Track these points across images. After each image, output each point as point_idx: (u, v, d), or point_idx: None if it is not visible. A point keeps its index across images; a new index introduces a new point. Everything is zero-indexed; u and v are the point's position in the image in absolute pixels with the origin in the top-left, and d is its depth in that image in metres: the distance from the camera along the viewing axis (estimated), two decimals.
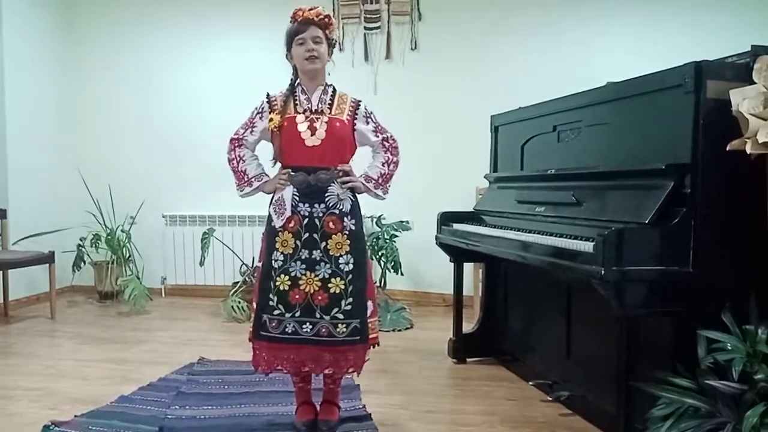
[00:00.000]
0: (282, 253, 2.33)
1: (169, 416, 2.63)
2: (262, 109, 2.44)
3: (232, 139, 2.47)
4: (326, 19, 2.38)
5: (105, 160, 5.41)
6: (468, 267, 3.87)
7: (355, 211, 2.40)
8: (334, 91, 2.44)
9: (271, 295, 2.32)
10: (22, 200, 4.87)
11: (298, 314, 2.30)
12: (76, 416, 2.63)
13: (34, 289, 5.01)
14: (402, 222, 4.68)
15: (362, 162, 2.54)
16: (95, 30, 5.44)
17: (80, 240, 5.08)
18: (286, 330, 2.30)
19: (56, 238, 4.92)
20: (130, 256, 5.17)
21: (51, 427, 2.51)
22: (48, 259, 4.51)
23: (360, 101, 2.48)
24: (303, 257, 2.32)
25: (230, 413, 2.67)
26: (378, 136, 2.49)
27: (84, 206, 5.15)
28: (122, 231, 5.13)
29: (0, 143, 4.75)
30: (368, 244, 4.56)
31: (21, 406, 2.81)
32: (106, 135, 5.46)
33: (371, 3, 5.04)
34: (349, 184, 2.38)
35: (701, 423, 1.82)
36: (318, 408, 2.55)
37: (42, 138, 5.17)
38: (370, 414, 2.66)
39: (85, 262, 5.11)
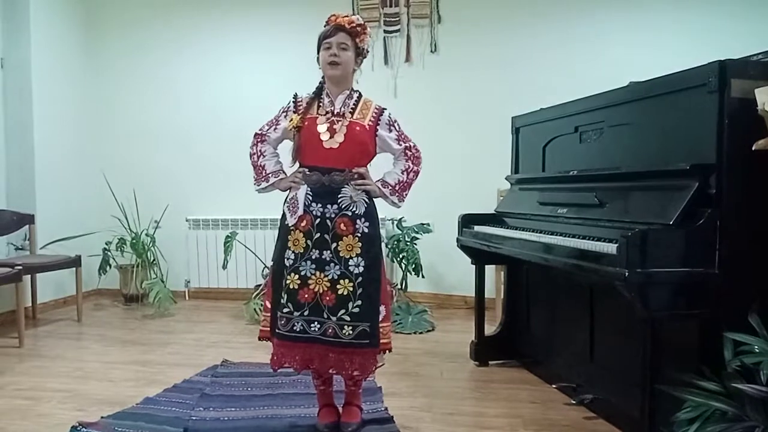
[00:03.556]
0: (293, 251, 2.35)
1: (194, 418, 2.65)
2: (288, 108, 2.47)
3: (255, 134, 2.51)
4: (358, 28, 2.38)
5: (130, 165, 5.48)
6: (489, 269, 3.85)
7: (370, 214, 2.39)
8: (360, 97, 2.45)
9: (282, 293, 2.34)
10: (49, 206, 4.96)
11: (306, 313, 2.31)
12: (102, 417, 2.66)
13: (61, 292, 5.09)
14: (423, 224, 4.67)
15: (384, 167, 2.54)
16: (119, 37, 5.53)
17: (106, 244, 5.14)
18: (295, 328, 2.32)
19: (82, 243, 5.00)
20: (154, 260, 5.23)
21: (78, 428, 2.54)
22: (74, 263, 4.59)
23: (385, 109, 2.47)
24: (313, 257, 2.33)
25: (253, 415, 2.69)
26: (401, 145, 2.47)
27: (109, 211, 5.22)
28: (147, 235, 5.20)
29: (28, 150, 4.84)
30: (389, 246, 4.57)
31: (49, 407, 2.86)
32: (130, 140, 5.53)
33: (391, 6, 5.05)
34: (363, 187, 2.38)
35: (728, 427, 1.79)
36: (340, 410, 2.56)
37: (68, 145, 5.26)
38: (392, 416, 2.66)
39: (110, 266, 5.18)
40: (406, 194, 2.51)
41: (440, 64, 4.97)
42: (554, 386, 2.96)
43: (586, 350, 2.78)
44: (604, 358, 2.68)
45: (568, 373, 2.91)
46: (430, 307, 4.70)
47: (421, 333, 4.13)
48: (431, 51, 5.00)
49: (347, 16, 2.38)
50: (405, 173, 2.48)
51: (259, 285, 4.74)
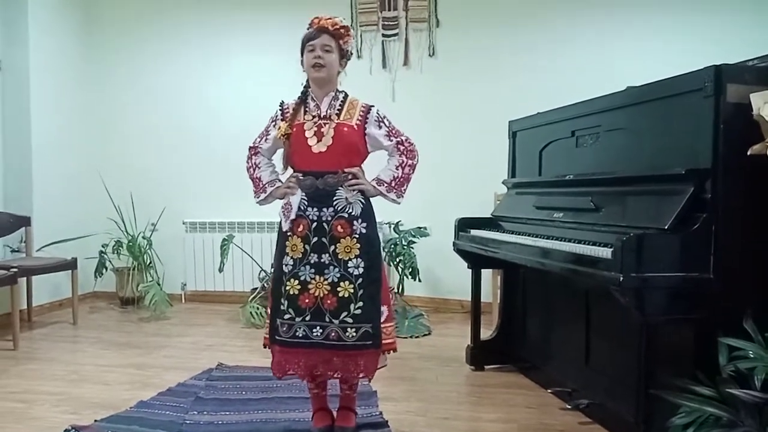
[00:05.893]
0: (292, 257, 2.34)
1: (188, 421, 2.64)
2: (276, 117, 2.46)
3: (249, 148, 2.53)
4: (342, 30, 2.37)
5: (127, 168, 5.47)
6: (486, 273, 3.84)
7: (366, 214, 2.38)
8: (345, 97, 2.44)
9: (282, 300, 2.34)
10: (45, 208, 4.95)
11: (308, 318, 2.31)
12: (96, 421, 2.65)
13: (57, 295, 5.08)
14: (420, 228, 4.67)
15: (377, 166, 2.52)
16: (117, 40, 5.52)
17: (102, 246, 5.14)
18: (297, 334, 2.31)
19: (79, 245, 4.99)
20: (150, 263, 5.22)
21: None
22: (71, 265, 4.58)
23: (372, 106, 2.45)
24: (312, 261, 2.32)
25: (248, 419, 2.68)
26: (392, 140, 2.45)
27: (106, 213, 5.21)
28: (143, 238, 5.19)
29: (25, 152, 4.84)
30: (386, 250, 4.56)
31: (43, 410, 2.84)
32: (127, 143, 5.53)
33: (389, 10, 5.05)
34: (357, 187, 2.37)
35: None
36: (334, 414, 2.55)
37: (65, 147, 5.25)
38: (387, 421, 2.65)
39: (107, 269, 5.17)
40: (405, 189, 2.48)
41: (438, 68, 4.97)
42: (550, 391, 2.95)
43: (581, 355, 2.77)
44: (599, 363, 2.67)
45: (564, 378, 2.91)
46: (426, 311, 4.70)
47: (417, 337, 4.13)
48: (429, 55, 5.00)
49: (330, 18, 2.36)
50: (400, 168, 2.45)
51: (256, 288, 4.73)
